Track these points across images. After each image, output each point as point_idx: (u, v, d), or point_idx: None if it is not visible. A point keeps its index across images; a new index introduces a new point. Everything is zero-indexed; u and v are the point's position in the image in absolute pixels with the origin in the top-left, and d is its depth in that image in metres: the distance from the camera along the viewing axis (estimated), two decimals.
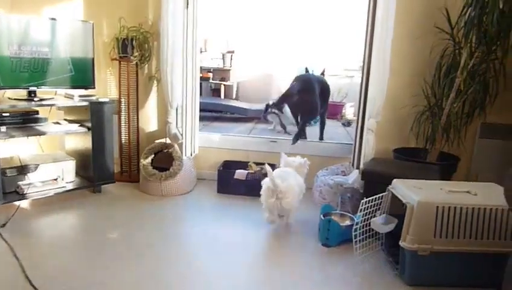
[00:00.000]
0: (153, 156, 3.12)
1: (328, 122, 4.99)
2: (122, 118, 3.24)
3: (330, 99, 6.80)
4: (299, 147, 3.36)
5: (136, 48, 3.08)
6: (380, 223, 2.06)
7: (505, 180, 1.43)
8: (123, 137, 3.27)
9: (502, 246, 1.80)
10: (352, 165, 2.93)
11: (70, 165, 2.94)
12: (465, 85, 2.63)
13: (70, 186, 2.86)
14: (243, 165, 3.25)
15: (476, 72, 2.62)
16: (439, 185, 2.02)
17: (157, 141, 3.19)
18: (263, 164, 3.26)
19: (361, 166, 2.74)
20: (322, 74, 5.87)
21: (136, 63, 3.14)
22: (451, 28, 2.67)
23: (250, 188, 3.05)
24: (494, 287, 1.80)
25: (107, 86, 3.32)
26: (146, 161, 3.07)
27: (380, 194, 2.14)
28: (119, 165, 3.31)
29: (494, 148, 2.97)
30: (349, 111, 7.20)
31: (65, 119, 3.06)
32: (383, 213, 2.14)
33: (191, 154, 3.20)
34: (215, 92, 7.23)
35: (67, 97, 2.94)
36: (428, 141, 2.86)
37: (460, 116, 2.76)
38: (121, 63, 3.15)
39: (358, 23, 4.09)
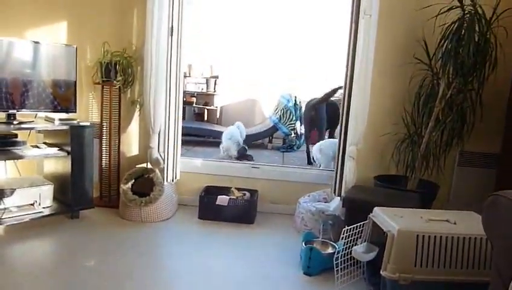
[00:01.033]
0: (133, 181, 3.08)
1: (310, 148, 5.03)
2: (104, 142, 3.20)
3: None
4: (279, 174, 3.37)
5: (119, 73, 3.08)
6: (361, 252, 2.06)
7: (484, 209, 1.45)
8: (104, 161, 3.22)
9: (482, 276, 1.81)
10: (334, 192, 2.94)
11: (48, 190, 2.88)
12: (444, 114, 2.69)
13: (47, 212, 2.79)
14: (225, 190, 3.23)
15: (454, 102, 2.69)
16: (419, 214, 2.04)
17: (138, 166, 3.16)
18: (245, 189, 3.28)
19: (343, 193, 2.75)
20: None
21: (119, 87, 3.13)
22: (430, 59, 2.76)
23: (232, 214, 3.03)
24: None
25: (88, 110, 3.29)
26: (126, 186, 3.02)
27: (362, 222, 2.14)
28: (98, 190, 3.25)
29: (472, 176, 3.03)
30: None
31: (45, 143, 3.01)
32: (364, 241, 2.14)
33: (173, 180, 3.17)
34: (199, 116, 7.25)
35: (48, 120, 2.90)
36: (408, 169, 2.90)
37: (439, 144, 2.81)
38: (104, 87, 3.14)
39: (340, 50, 4.20)
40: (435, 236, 1.83)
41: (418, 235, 1.83)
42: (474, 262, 1.83)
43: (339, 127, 2.86)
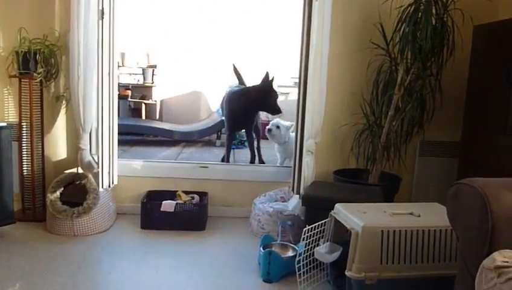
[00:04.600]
0: (62, 189, 2.99)
1: (263, 144, 5.09)
2: (24, 145, 3.08)
3: (264, 118, 6.98)
4: (230, 173, 3.40)
5: (40, 63, 2.97)
6: (324, 253, 2.13)
7: (448, 199, 1.56)
8: (25, 168, 3.10)
9: (450, 269, 1.94)
10: (292, 190, 3.02)
11: None
12: (403, 102, 2.84)
13: None
14: (171, 195, 3.22)
15: (413, 89, 2.85)
16: (383, 208, 2.14)
17: (67, 171, 3.06)
18: (194, 192, 3.27)
19: (302, 191, 2.83)
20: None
21: (41, 80, 3.02)
22: (387, 44, 2.90)
23: (180, 221, 3.02)
24: None
25: (4, 108, 3.14)
26: (54, 196, 2.92)
27: (323, 221, 2.22)
28: (20, 202, 3.13)
29: (435, 166, 3.23)
30: None
31: None
32: (327, 241, 2.22)
33: (109, 185, 3.10)
34: (135, 112, 7.11)
35: None
36: (369, 161, 3.04)
37: (400, 134, 2.97)
38: (22, 80, 3.01)
39: (292, 37, 4.27)
40: (400, 231, 1.94)
41: (382, 231, 1.93)
42: (441, 255, 1.96)
43: (295, 119, 2.93)
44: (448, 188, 1.56)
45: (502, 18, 2.78)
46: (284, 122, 4.30)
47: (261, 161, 4.87)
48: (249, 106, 4.51)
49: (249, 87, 4.89)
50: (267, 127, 4.31)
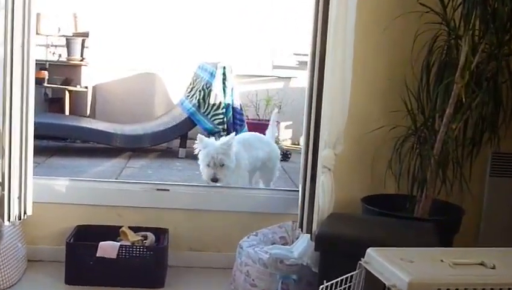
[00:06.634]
0: None
1: None
2: None
3: (253, 117, 7.02)
4: (203, 199, 3.44)
5: None
6: None
7: None
8: None
9: None
10: (300, 226, 3.02)
11: None
12: (468, 95, 2.86)
13: None
14: (112, 232, 3.22)
15: (483, 75, 2.87)
16: (439, 255, 2.15)
17: None
18: (147, 229, 3.26)
19: (314, 227, 2.83)
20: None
21: None
22: (444, 7, 2.91)
23: (126, 274, 3.02)
24: None
25: None
26: None
27: (348, 274, 2.22)
28: None
29: None
30: (286, 134, 7.42)
31: None
32: None
33: (20, 218, 3.08)
34: (54, 104, 7.12)
35: None
36: (415, 184, 3.05)
37: (462, 143, 2.99)
38: None
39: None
40: None
41: None
42: None
43: (304, 120, 2.94)
44: None
45: None
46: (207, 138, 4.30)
47: None
48: None
49: None
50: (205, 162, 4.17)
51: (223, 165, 4.01)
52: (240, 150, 4.24)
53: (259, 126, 6.97)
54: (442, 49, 2.97)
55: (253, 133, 4.97)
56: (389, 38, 3.15)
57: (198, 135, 4.16)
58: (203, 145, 4.11)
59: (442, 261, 2.10)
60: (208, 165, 4.05)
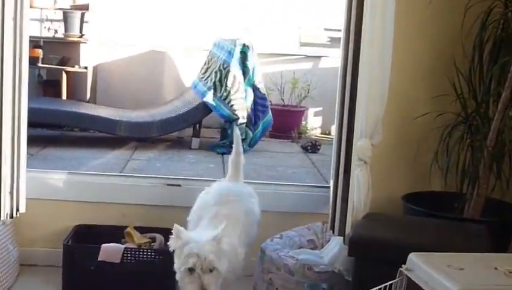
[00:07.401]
0: None
1: (275, 145, 5.12)
2: None
3: (277, 102, 6.97)
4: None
5: None
6: None
7: None
8: None
9: None
10: (331, 227, 3.05)
11: None
12: None
13: None
14: (116, 233, 3.25)
15: None
16: (492, 261, 2.16)
17: None
18: (155, 230, 3.30)
19: (348, 229, 2.86)
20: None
21: None
22: None
23: (131, 280, 3.03)
24: None
25: None
26: None
27: (387, 283, 2.26)
28: None
29: None
30: (315, 122, 7.40)
31: None
32: None
33: (11, 216, 3.12)
34: (50, 87, 7.14)
35: None
36: (465, 180, 3.07)
37: None
38: None
39: None
40: None
41: None
42: None
43: (337, 105, 2.95)
44: None
45: None
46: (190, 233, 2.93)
47: None
48: None
49: None
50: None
51: (212, 270, 2.74)
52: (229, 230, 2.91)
53: (284, 113, 6.95)
54: (498, 23, 2.97)
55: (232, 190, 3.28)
56: (435, 10, 3.15)
57: (174, 225, 2.73)
58: (184, 241, 2.75)
59: (496, 268, 2.11)
60: (190, 271, 2.71)
